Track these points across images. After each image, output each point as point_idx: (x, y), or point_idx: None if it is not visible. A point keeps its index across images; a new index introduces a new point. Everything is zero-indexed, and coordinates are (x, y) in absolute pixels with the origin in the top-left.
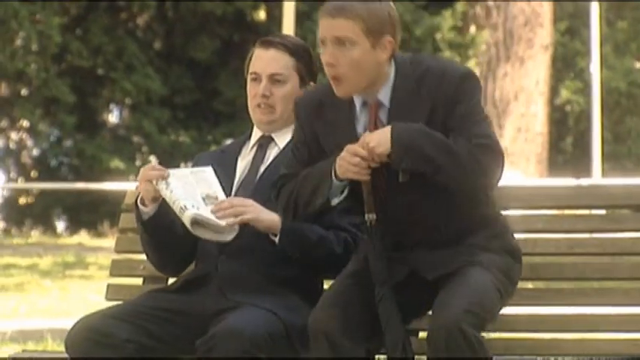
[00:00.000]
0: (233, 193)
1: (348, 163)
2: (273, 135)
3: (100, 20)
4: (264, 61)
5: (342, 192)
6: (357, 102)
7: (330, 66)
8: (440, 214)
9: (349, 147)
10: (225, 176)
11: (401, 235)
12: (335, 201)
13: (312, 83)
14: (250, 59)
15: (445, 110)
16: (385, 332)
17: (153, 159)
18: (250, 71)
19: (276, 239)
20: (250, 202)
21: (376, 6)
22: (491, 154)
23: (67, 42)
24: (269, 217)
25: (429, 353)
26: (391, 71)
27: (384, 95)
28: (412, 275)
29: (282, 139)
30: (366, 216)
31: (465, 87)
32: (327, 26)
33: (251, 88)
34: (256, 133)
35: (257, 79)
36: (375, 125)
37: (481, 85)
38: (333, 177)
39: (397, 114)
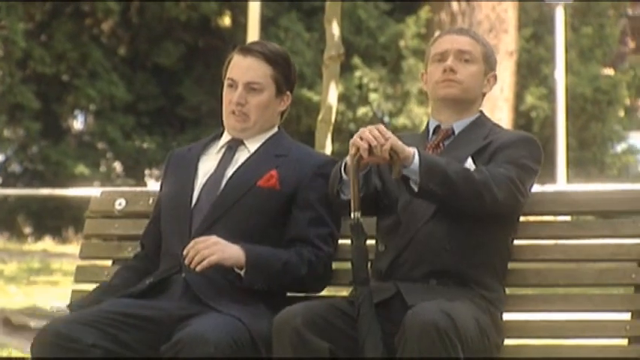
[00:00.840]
0: (196, 193)
1: (356, 138)
2: (244, 139)
3: (65, 26)
4: (241, 68)
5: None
6: (432, 125)
7: (451, 71)
8: (453, 244)
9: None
10: (187, 176)
11: (401, 257)
12: (343, 197)
13: (288, 93)
14: (228, 65)
15: (496, 150)
16: (364, 345)
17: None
18: (227, 77)
19: (242, 273)
20: (213, 239)
21: (490, 45)
22: (505, 188)
23: (31, 48)
24: (234, 254)
25: (401, 352)
26: (478, 113)
27: (460, 126)
28: (394, 297)
29: (254, 143)
30: (352, 214)
31: (523, 141)
32: (450, 41)
33: (227, 94)
34: (227, 135)
35: (233, 85)
36: (435, 148)
37: (541, 151)
38: (342, 172)
39: (457, 144)
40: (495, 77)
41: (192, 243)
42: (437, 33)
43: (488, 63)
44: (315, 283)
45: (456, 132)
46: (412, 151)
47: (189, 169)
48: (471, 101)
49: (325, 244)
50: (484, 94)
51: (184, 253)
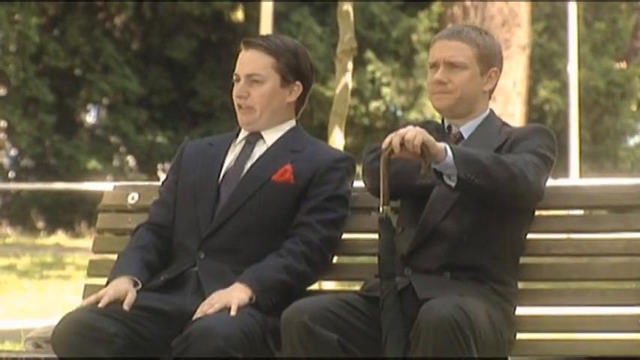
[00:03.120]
0: (218, 186)
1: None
2: (261, 132)
3: (78, 21)
4: (243, 62)
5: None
6: (446, 125)
7: (441, 83)
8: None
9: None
10: (208, 169)
11: (420, 249)
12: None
13: (298, 82)
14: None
15: (512, 143)
16: (387, 340)
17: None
18: (234, 73)
19: (258, 303)
20: (222, 292)
21: (490, 39)
22: (533, 171)
23: (44, 42)
24: (245, 293)
25: (415, 347)
26: (486, 111)
27: (467, 129)
28: (405, 290)
29: (271, 136)
30: (381, 208)
31: (537, 132)
32: (440, 48)
33: (234, 90)
34: (245, 130)
35: (237, 80)
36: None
37: (555, 141)
38: None
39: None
40: (498, 72)
41: (200, 311)
42: (449, 27)
43: (485, 62)
44: (315, 273)
45: (465, 136)
46: (443, 145)
47: (213, 163)
48: (470, 104)
49: (325, 228)
50: (489, 92)
51: (199, 311)
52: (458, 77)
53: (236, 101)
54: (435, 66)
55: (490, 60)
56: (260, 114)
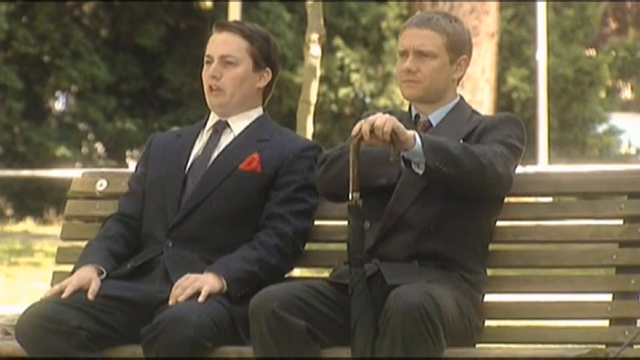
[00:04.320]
0: (185, 176)
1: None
2: (228, 120)
3: (47, 7)
4: (216, 43)
5: None
6: (413, 114)
7: (410, 72)
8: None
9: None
10: (176, 159)
11: (386, 238)
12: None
13: (268, 69)
14: (207, 45)
15: (481, 132)
16: (355, 327)
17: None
18: (205, 54)
19: (228, 293)
20: (193, 276)
21: (459, 26)
22: (502, 162)
23: (13, 29)
24: (217, 281)
25: (383, 333)
26: (455, 98)
27: (436, 117)
28: (374, 276)
29: (238, 124)
30: (350, 195)
31: (506, 121)
32: (410, 36)
33: (205, 72)
34: (212, 118)
35: (210, 61)
36: None
37: (524, 131)
38: None
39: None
40: (467, 60)
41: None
42: (417, 14)
43: (455, 50)
44: (287, 266)
45: (434, 124)
46: (412, 133)
47: (181, 153)
48: (439, 93)
49: (297, 219)
50: (457, 80)
51: (171, 295)
52: (427, 66)
53: (208, 82)
54: (404, 54)
55: (460, 48)
56: (230, 97)
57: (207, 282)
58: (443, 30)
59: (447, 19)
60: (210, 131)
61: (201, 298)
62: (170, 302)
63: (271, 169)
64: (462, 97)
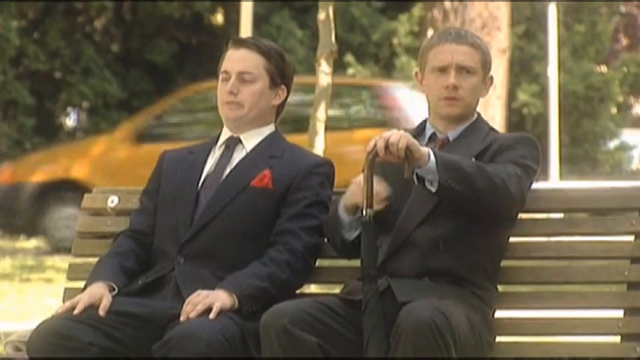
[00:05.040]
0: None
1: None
2: (241, 136)
3: (57, 24)
4: (234, 59)
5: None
6: (428, 132)
7: (454, 88)
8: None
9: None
10: (188, 175)
11: (395, 256)
12: (351, 235)
13: (283, 86)
14: (222, 60)
15: (496, 152)
16: (368, 343)
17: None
18: (221, 70)
19: (239, 309)
20: (204, 293)
21: (485, 44)
22: (515, 182)
23: (24, 45)
24: (228, 297)
25: (395, 350)
26: (474, 117)
27: (454, 133)
28: (384, 293)
29: (250, 141)
30: (364, 211)
31: (521, 142)
32: (451, 52)
33: (221, 88)
34: (225, 134)
35: (227, 78)
36: None
37: (539, 151)
38: (341, 212)
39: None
40: (492, 79)
41: (185, 304)
42: (430, 31)
43: (486, 68)
44: (298, 281)
45: (451, 139)
46: (427, 150)
47: (193, 170)
48: (472, 111)
49: (308, 235)
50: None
51: (183, 312)
52: (467, 83)
53: (224, 98)
54: (444, 70)
55: (489, 66)
56: (248, 111)
57: (219, 298)
58: (479, 46)
59: (475, 36)
60: (223, 147)
61: (212, 315)
62: (182, 318)
63: (282, 186)
64: (479, 114)
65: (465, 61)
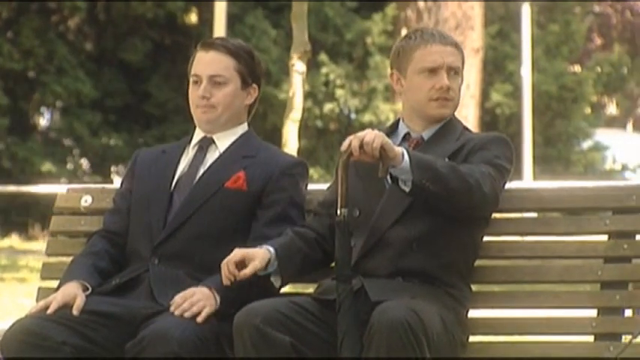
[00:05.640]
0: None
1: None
2: (214, 137)
3: (31, 23)
4: (204, 63)
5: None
6: (402, 131)
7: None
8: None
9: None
10: (161, 176)
11: (368, 256)
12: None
13: (254, 85)
14: (192, 63)
15: (470, 151)
16: (342, 343)
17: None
18: (192, 74)
19: (218, 311)
20: (199, 293)
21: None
22: (489, 183)
23: None
24: (215, 302)
25: (368, 350)
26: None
27: (428, 133)
28: (358, 292)
29: (224, 141)
30: (339, 210)
31: (495, 142)
32: (440, 53)
33: (192, 91)
34: (198, 134)
35: (198, 81)
36: None
37: (513, 151)
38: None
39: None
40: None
41: (180, 298)
42: (404, 30)
43: (463, 66)
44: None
45: (425, 139)
46: (401, 150)
47: (167, 170)
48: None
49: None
50: None
51: (174, 302)
52: (456, 83)
53: (196, 102)
54: (434, 71)
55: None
56: (221, 113)
57: (210, 303)
58: (459, 47)
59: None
60: (196, 148)
61: (200, 319)
62: (172, 309)
63: (257, 187)
64: (454, 115)
65: (454, 62)
